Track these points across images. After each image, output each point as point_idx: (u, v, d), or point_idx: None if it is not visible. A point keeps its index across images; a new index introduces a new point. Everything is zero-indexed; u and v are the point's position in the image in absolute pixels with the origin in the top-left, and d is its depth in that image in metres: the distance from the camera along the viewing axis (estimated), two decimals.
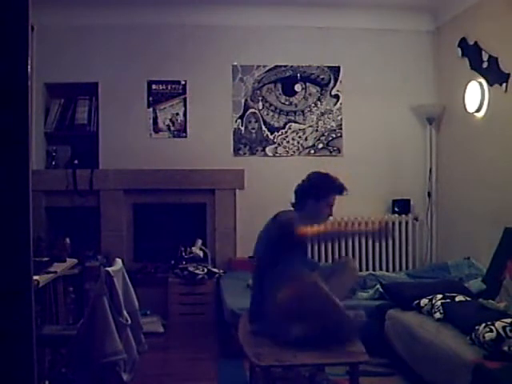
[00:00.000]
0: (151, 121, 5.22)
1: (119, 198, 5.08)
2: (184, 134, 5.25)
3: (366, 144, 5.30)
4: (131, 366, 2.75)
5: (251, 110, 5.29)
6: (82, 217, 5.00)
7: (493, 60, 4.29)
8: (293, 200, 3.16)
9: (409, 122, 5.38)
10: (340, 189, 3.08)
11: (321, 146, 5.34)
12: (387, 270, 5.19)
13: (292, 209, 3.12)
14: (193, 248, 5.00)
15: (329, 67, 5.34)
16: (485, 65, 4.41)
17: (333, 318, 2.75)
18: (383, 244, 5.28)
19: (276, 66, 5.30)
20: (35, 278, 2.56)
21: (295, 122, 5.33)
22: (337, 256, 5.21)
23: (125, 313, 2.69)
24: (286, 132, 5.33)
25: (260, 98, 5.30)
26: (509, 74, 4.11)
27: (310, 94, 5.34)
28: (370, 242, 5.25)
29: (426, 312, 3.40)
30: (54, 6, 4.80)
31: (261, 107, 5.30)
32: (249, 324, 3.01)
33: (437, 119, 5.24)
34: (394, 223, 5.28)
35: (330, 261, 5.16)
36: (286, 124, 5.33)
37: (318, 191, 3.03)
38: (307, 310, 2.74)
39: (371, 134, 5.31)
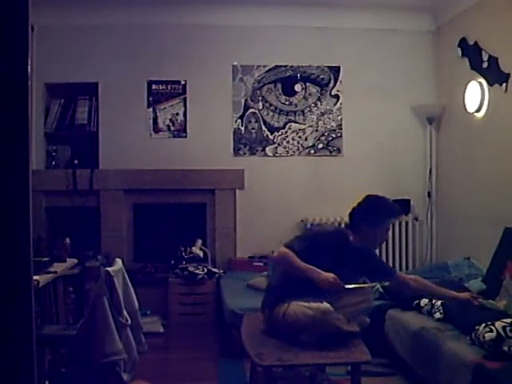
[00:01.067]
0: (151, 121, 5.22)
1: (119, 197, 5.08)
2: (184, 134, 5.25)
3: (366, 144, 5.30)
4: (131, 366, 2.75)
5: (251, 110, 5.29)
6: (82, 217, 5.00)
7: (493, 60, 4.29)
8: (348, 221, 3.10)
9: (409, 122, 5.38)
10: (397, 214, 3.03)
11: (321, 146, 5.34)
12: None
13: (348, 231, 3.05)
14: (193, 248, 4.99)
15: (329, 67, 5.34)
16: (485, 65, 4.41)
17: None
18: (383, 244, 5.27)
19: (276, 66, 5.30)
20: (35, 277, 2.56)
21: (295, 122, 5.33)
22: None
23: (125, 313, 2.69)
24: (286, 132, 5.33)
25: (260, 98, 5.30)
26: (509, 74, 4.11)
27: (309, 94, 5.34)
28: None
29: (426, 312, 3.40)
30: (53, 5, 4.80)
31: (261, 107, 5.30)
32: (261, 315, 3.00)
33: (437, 119, 5.24)
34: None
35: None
36: (286, 124, 5.33)
37: (374, 218, 2.96)
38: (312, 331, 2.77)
39: (371, 134, 5.31)
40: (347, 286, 2.81)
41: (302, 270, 2.76)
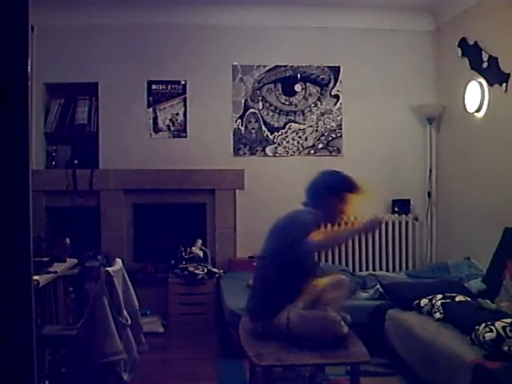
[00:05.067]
0: (151, 121, 5.22)
1: (119, 197, 5.08)
2: (184, 134, 5.25)
3: (366, 144, 5.30)
4: (131, 366, 2.75)
5: (251, 110, 5.29)
6: (82, 217, 5.00)
7: (493, 60, 4.29)
8: (304, 198, 3.06)
9: (409, 122, 5.38)
10: (352, 186, 2.99)
11: (321, 146, 5.34)
12: (387, 270, 5.19)
13: (303, 208, 3.03)
14: (193, 248, 5.00)
15: (329, 67, 5.34)
16: (485, 65, 4.41)
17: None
18: (383, 244, 5.28)
19: (276, 66, 5.30)
20: (35, 277, 2.56)
21: (295, 122, 5.33)
22: (337, 256, 5.21)
23: (125, 313, 2.69)
24: (286, 132, 5.33)
25: (260, 98, 5.30)
26: (509, 74, 4.11)
27: (309, 94, 5.34)
28: (370, 242, 5.25)
29: (426, 312, 3.40)
30: (53, 5, 4.80)
31: (261, 107, 5.30)
32: (250, 322, 2.99)
33: (437, 119, 5.24)
34: (394, 223, 5.29)
35: (329, 261, 5.17)
36: (286, 124, 5.33)
37: (332, 186, 2.97)
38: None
39: (371, 134, 5.31)
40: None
41: (350, 236, 2.97)
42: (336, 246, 2.91)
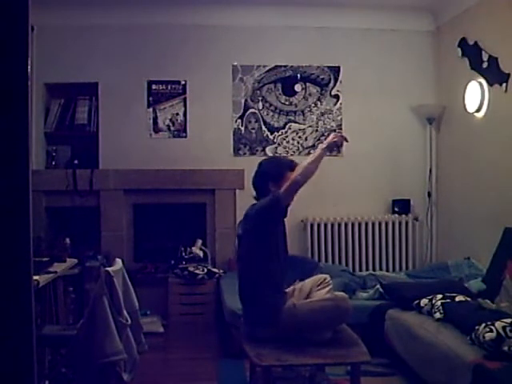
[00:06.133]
0: (151, 121, 5.22)
1: (119, 197, 5.08)
2: (184, 134, 5.25)
3: (366, 144, 5.29)
4: (131, 366, 2.75)
5: (251, 110, 5.29)
6: (82, 217, 5.00)
7: (493, 60, 4.29)
8: (254, 194, 3.11)
9: (409, 122, 5.38)
10: (291, 164, 3.05)
11: None
12: (387, 270, 5.19)
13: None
14: (193, 248, 5.00)
15: (329, 67, 5.34)
16: (485, 65, 4.41)
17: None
18: (383, 244, 5.28)
19: (276, 66, 5.30)
20: (35, 277, 2.56)
21: (295, 122, 5.33)
22: (337, 256, 5.21)
23: (125, 313, 2.69)
24: (286, 132, 5.33)
25: (260, 98, 5.30)
26: (509, 74, 4.11)
27: (309, 94, 5.34)
28: (370, 242, 5.25)
29: (426, 312, 3.40)
30: (53, 5, 4.80)
31: (261, 107, 5.30)
32: (248, 327, 2.97)
33: (437, 119, 5.24)
34: (394, 223, 5.29)
35: (329, 261, 5.17)
36: (286, 124, 5.33)
37: (274, 174, 3.02)
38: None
39: (371, 134, 5.31)
40: None
41: (317, 158, 2.95)
42: (311, 175, 2.90)
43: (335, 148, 3.15)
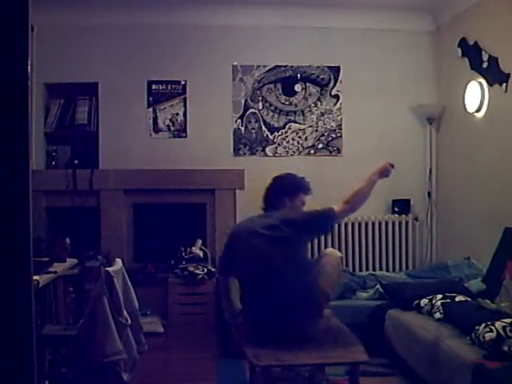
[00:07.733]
0: (151, 121, 5.22)
1: (119, 197, 5.08)
2: (184, 134, 5.25)
3: (366, 144, 5.29)
4: (131, 366, 2.75)
5: (251, 110, 5.29)
6: (82, 217, 4.99)
7: (493, 60, 4.29)
8: (263, 205, 3.20)
9: (409, 122, 5.37)
10: (307, 188, 3.15)
11: (321, 146, 5.34)
12: (387, 270, 5.19)
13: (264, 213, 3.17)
14: (193, 248, 4.99)
15: (329, 67, 5.34)
16: (485, 65, 4.41)
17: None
18: (383, 244, 5.28)
19: (276, 66, 5.30)
20: (35, 277, 2.56)
21: (295, 122, 5.33)
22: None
23: (125, 313, 2.69)
24: (286, 132, 5.32)
25: (260, 98, 5.30)
26: (509, 74, 4.11)
27: (309, 94, 5.34)
28: (370, 242, 5.25)
29: (426, 312, 3.40)
30: (53, 6, 4.80)
31: (261, 107, 5.30)
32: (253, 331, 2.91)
33: (437, 119, 5.24)
34: (394, 223, 5.29)
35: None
36: (286, 124, 5.33)
37: (291, 190, 3.11)
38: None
39: (371, 134, 5.31)
40: None
41: (369, 185, 3.04)
42: (362, 204, 2.97)
43: (385, 176, 3.15)
